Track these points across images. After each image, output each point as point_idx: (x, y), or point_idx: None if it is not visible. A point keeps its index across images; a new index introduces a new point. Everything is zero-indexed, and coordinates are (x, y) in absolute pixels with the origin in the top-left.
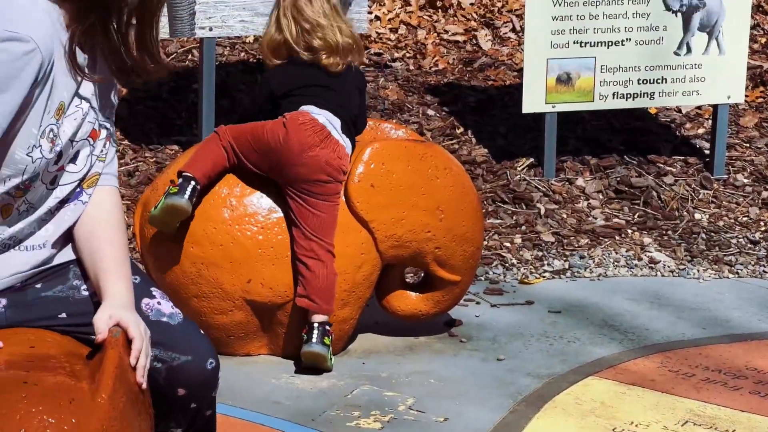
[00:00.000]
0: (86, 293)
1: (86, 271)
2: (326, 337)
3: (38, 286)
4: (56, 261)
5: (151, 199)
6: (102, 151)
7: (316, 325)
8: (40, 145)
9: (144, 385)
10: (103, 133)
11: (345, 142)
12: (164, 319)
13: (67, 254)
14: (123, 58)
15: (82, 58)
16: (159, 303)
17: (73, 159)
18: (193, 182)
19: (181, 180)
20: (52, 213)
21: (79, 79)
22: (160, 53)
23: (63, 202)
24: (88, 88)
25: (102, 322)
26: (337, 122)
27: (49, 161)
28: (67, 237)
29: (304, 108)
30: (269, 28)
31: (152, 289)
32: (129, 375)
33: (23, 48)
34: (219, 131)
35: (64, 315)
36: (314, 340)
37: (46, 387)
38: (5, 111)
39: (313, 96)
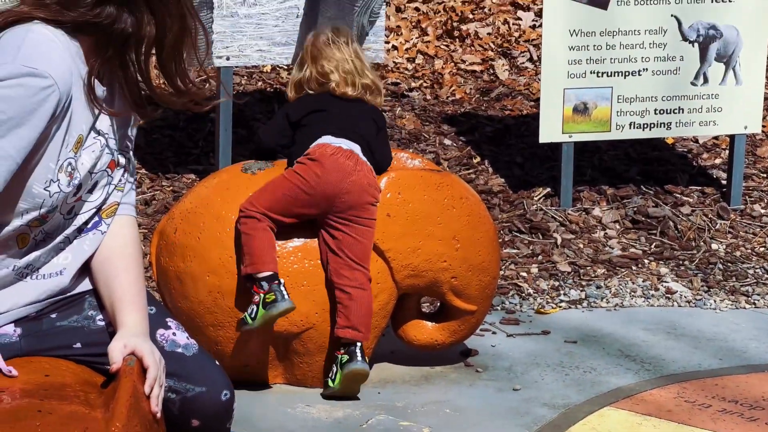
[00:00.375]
0: (102, 323)
1: (102, 299)
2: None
3: (53, 315)
4: (73, 291)
5: (167, 229)
6: (120, 180)
7: (359, 344)
8: (58, 179)
9: (159, 414)
10: (122, 162)
11: (369, 165)
12: (179, 350)
13: (83, 285)
14: (140, 90)
15: (100, 91)
16: (174, 334)
17: (91, 189)
18: (277, 280)
19: (266, 284)
20: (69, 241)
21: (97, 112)
22: (187, 85)
23: (80, 230)
24: (105, 121)
25: (116, 351)
26: (357, 147)
27: (67, 194)
28: (85, 268)
29: (322, 140)
30: (294, 68)
31: (167, 319)
32: (143, 404)
33: (41, 84)
34: (250, 213)
35: (79, 345)
36: (359, 357)
37: (60, 415)
38: (21, 146)
39: (327, 123)
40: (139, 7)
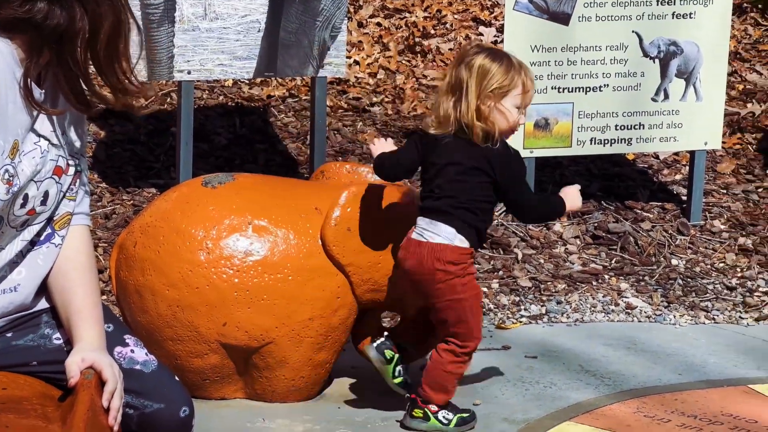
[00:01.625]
0: (58, 342)
1: (57, 310)
2: (416, 409)
3: (9, 335)
4: (29, 310)
5: (127, 242)
6: (71, 189)
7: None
8: None
9: (116, 428)
10: (71, 170)
11: (438, 231)
12: (137, 366)
13: (41, 303)
14: (81, 88)
15: (38, 93)
16: (132, 351)
17: (44, 200)
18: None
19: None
20: (23, 255)
21: (35, 114)
22: (126, 82)
23: (33, 244)
24: (46, 124)
25: (74, 366)
26: (427, 221)
27: (6, 202)
28: (42, 287)
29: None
30: None
31: (125, 336)
32: (101, 417)
33: None
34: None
35: (35, 363)
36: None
37: (17, 429)
38: None
39: (430, 186)
40: (69, 1)
